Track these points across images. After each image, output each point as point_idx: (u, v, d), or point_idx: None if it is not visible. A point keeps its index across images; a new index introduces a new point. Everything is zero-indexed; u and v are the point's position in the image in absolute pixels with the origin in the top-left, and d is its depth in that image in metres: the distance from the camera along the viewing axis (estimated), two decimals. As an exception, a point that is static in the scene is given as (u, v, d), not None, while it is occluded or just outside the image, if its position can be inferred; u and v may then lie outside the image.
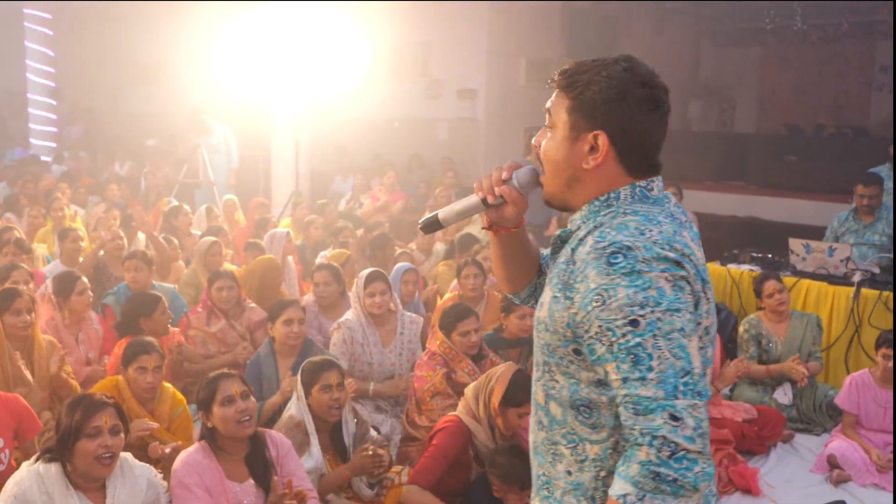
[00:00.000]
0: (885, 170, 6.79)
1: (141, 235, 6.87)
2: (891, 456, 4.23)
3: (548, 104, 1.62)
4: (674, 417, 1.35)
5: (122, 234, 6.00)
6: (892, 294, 5.19)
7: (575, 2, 11.37)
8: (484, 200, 1.70)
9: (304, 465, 3.16)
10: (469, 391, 3.46)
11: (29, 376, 3.61)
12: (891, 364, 4.30)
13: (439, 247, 7.46)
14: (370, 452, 3.31)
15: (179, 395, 3.63)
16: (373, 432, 3.57)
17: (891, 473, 4.18)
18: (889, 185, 6.58)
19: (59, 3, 13.47)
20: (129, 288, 4.99)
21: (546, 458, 1.66)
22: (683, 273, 1.44)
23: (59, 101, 14.40)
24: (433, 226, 1.77)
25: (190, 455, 2.91)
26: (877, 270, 5.52)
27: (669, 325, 1.39)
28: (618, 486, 1.40)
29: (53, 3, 13.56)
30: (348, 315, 4.50)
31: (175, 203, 8.06)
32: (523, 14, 11.14)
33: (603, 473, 1.55)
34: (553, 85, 1.62)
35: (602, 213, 1.56)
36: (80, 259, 5.87)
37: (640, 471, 1.36)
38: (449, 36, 11.26)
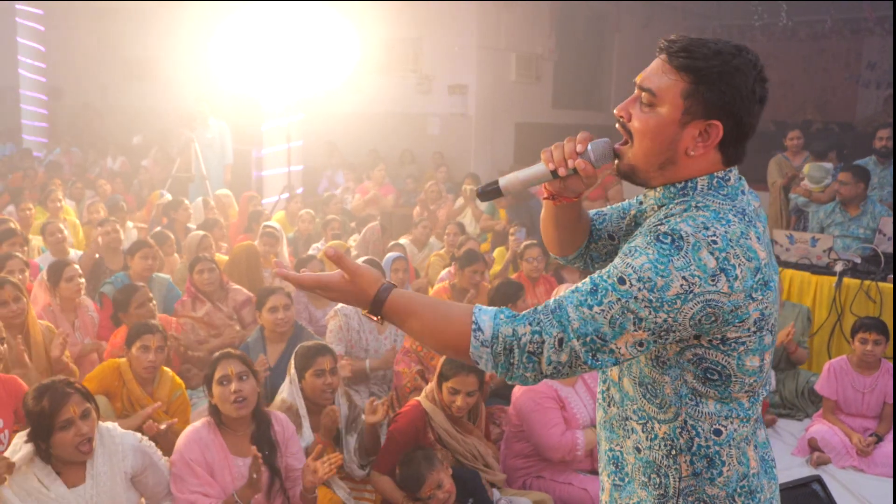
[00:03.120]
0: (870, 163, 6.91)
1: (129, 225, 6.95)
2: (871, 440, 4.35)
3: (651, 79, 1.52)
4: (560, 343, 1.42)
5: (119, 227, 6.07)
6: (873, 283, 5.31)
7: (564, -2, 11.48)
8: (554, 172, 1.62)
9: (301, 450, 3.24)
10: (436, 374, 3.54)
11: (27, 359, 3.68)
12: (868, 347, 4.41)
13: (433, 240, 7.56)
14: (328, 415, 3.39)
15: (178, 380, 3.71)
16: (364, 416, 3.64)
17: (868, 457, 4.30)
18: (874, 179, 6.70)
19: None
20: (127, 277, 5.06)
21: (618, 433, 1.66)
22: (708, 289, 1.40)
23: (50, 97, 14.40)
24: (492, 193, 1.68)
25: (195, 430, 2.98)
26: (858, 260, 5.64)
27: (636, 308, 1.40)
28: (484, 318, 1.46)
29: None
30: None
31: (168, 196, 8.14)
32: (513, 10, 11.23)
33: (674, 452, 1.56)
34: (664, 54, 1.52)
35: (675, 201, 1.55)
36: (68, 249, 5.96)
37: (509, 334, 1.44)
38: (439, 31, 11.33)
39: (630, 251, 1.45)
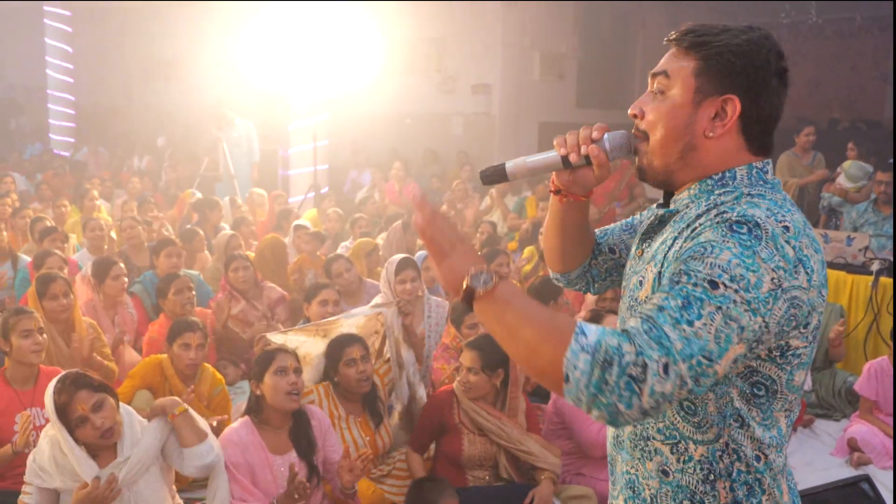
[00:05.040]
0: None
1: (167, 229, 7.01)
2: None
3: (663, 63, 1.47)
4: (665, 370, 1.20)
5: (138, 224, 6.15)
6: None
7: (589, -3, 11.45)
8: (565, 158, 1.52)
9: (339, 442, 3.25)
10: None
11: (70, 355, 3.73)
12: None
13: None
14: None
15: (219, 375, 3.76)
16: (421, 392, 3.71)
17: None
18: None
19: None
20: (155, 275, 5.12)
21: (633, 456, 1.52)
22: (793, 283, 1.29)
23: (76, 97, 14.55)
24: (497, 177, 1.56)
25: (234, 432, 3.00)
26: (895, 259, 5.59)
27: (737, 315, 1.24)
28: (590, 326, 1.25)
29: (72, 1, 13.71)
30: (378, 300, 4.59)
31: (199, 195, 8.21)
32: (537, 8, 11.22)
33: (712, 477, 1.42)
34: (673, 44, 1.47)
35: (717, 192, 1.43)
36: (105, 247, 6.03)
37: (613, 345, 1.21)
38: (463, 31, 11.35)
39: (706, 248, 1.28)
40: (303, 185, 9.55)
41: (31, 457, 2.75)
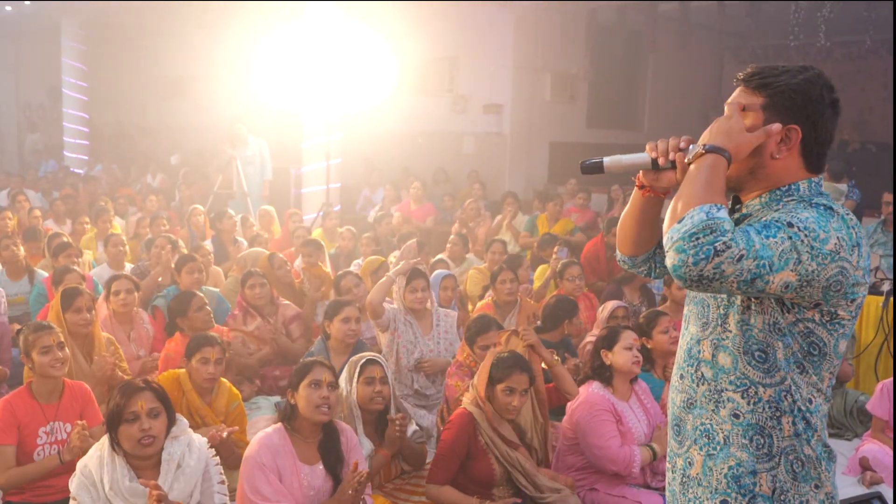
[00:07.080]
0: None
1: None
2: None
3: (737, 99, 1.80)
4: (739, 259, 1.56)
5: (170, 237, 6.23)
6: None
7: (600, 17, 11.53)
8: (654, 161, 1.82)
9: (364, 461, 3.28)
10: (475, 379, 3.57)
11: (90, 371, 3.78)
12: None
13: (471, 256, 7.60)
14: (395, 425, 3.46)
15: (235, 391, 3.79)
16: (415, 426, 3.69)
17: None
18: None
19: (93, 18, 13.79)
20: (177, 290, 5.17)
21: (707, 409, 1.84)
22: (847, 257, 1.64)
23: (91, 115, 14.73)
24: (594, 169, 1.85)
25: (267, 436, 3.05)
26: (906, 280, 5.59)
27: (801, 250, 1.59)
28: (723, 216, 1.61)
29: (88, 19, 13.90)
30: (390, 305, 4.66)
31: (199, 208, 8.30)
32: (549, 30, 11.32)
33: (779, 413, 1.75)
34: (742, 83, 1.81)
35: (784, 200, 1.77)
36: (126, 262, 6.13)
37: (722, 224, 1.57)
38: (475, 51, 11.46)
39: (788, 211, 1.66)
40: (316, 204, 9.63)
41: (78, 467, 2.79)
